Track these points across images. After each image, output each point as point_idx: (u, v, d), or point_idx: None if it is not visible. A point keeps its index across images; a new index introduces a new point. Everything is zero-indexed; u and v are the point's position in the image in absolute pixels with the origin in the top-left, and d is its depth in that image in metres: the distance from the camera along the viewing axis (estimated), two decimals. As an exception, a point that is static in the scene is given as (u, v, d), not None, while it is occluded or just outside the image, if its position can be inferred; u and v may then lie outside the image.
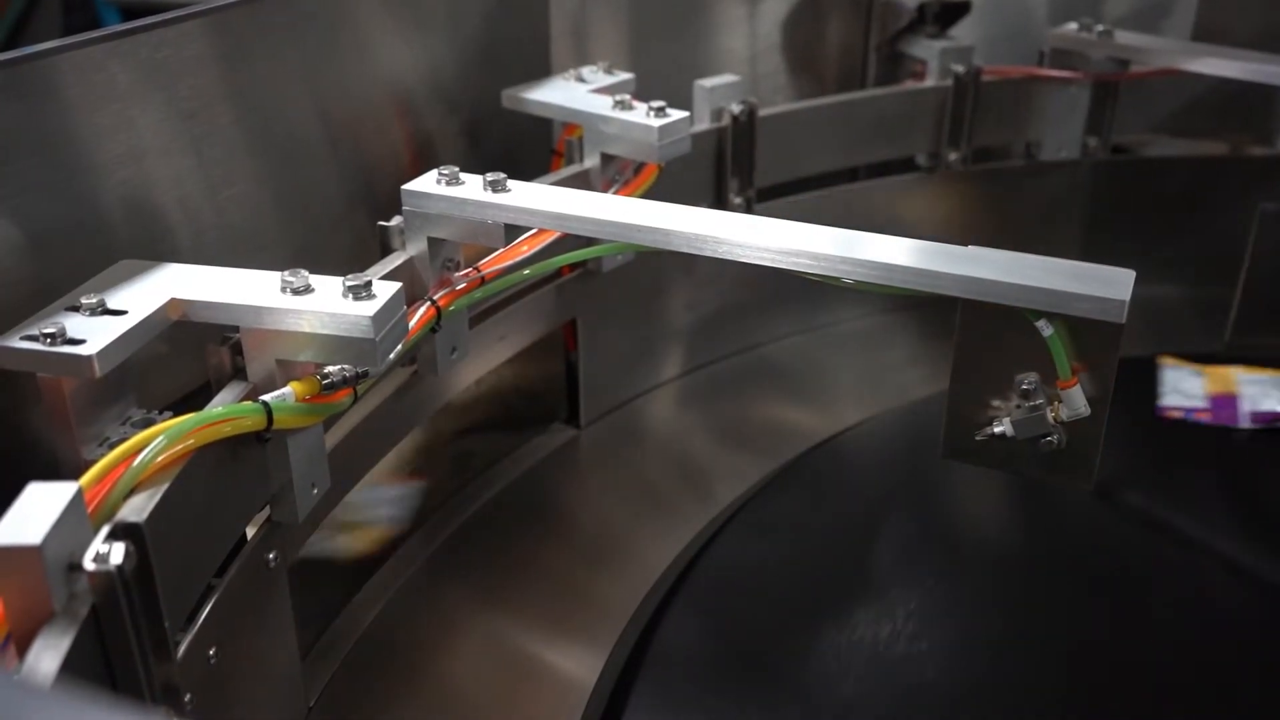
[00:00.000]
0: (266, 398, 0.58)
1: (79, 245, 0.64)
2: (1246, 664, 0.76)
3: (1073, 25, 1.14)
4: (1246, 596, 0.82)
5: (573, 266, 0.91)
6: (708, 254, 0.66)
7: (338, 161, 0.82)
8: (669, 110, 0.83)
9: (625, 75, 0.93)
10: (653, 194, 0.80)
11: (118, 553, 0.46)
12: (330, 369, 0.60)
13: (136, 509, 0.49)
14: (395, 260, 0.70)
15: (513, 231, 0.71)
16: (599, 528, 0.88)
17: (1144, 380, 1.03)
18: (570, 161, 0.89)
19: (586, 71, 0.92)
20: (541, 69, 0.97)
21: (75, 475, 0.48)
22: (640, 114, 0.83)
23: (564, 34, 1.00)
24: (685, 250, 0.66)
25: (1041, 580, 0.84)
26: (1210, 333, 1.09)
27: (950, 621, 0.79)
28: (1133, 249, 1.15)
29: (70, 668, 0.43)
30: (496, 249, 0.71)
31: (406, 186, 0.71)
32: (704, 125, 0.98)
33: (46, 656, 0.43)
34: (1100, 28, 1.12)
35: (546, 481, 0.93)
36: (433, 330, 0.72)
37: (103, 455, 0.51)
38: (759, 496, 0.90)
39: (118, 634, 0.47)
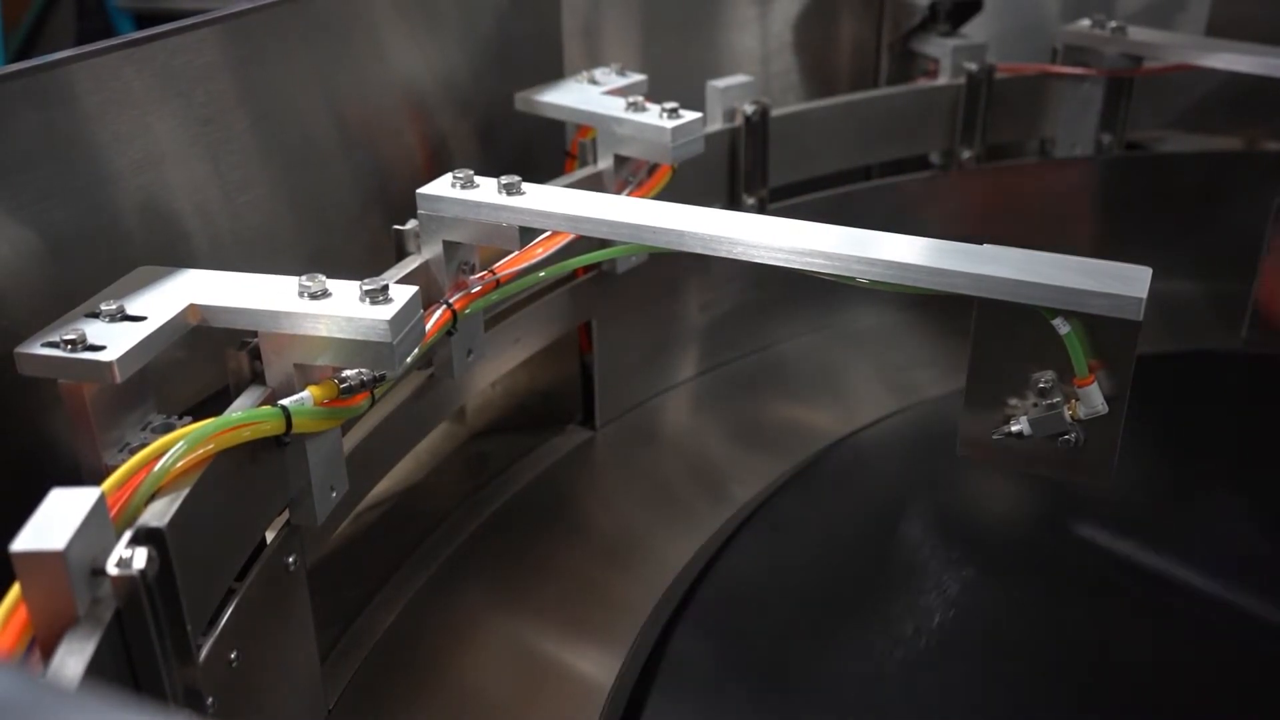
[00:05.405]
0: (285, 402, 0.58)
1: (97, 252, 0.64)
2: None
3: (1086, 21, 1.14)
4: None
5: (587, 268, 0.91)
6: (722, 255, 0.66)
7: (352, 165, 0.82)
8: (682, 111, 0.83)
9: (638, 76, 0.93)
10: (666, 195, 0.80)
11: (140, 557, 0.46)
12: (348, 373, 0.61)
13: (158, 514, 0.50)
14: (411, 264, 0.71)
15: (527, 234, 0.71)
16: (615, 529, 0.88)
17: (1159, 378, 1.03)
18: (584, 163, 0.89)
19: (599, 73, 0.92)
20: (554, 71, 0.97)
21: (97, 480, 0.49)
22: (653, 115, 0.83)
23: (576, 35, 1.00)
24: (699, 251, 0.66)
25: (1063, 580, 0.83)
26: (1227, 330, 1.08)
27: (968, 625, 0.79)
28: (1148, 246, 1.14)
29: (94, 671, 0.43)
30: (512, 251, 0.72)
31: (421, 190, 0.71)
32: (717, 126, 0.98)
33: (71, 660, 0.43)
34: (1113, 24, 1.12)
35: (562, 483, 0.93)
36: (449, 333, 0.72)
37: (124, 460, 0.51)
38: (775, 497, 0.90)
39: (141, 638, 0.47)
